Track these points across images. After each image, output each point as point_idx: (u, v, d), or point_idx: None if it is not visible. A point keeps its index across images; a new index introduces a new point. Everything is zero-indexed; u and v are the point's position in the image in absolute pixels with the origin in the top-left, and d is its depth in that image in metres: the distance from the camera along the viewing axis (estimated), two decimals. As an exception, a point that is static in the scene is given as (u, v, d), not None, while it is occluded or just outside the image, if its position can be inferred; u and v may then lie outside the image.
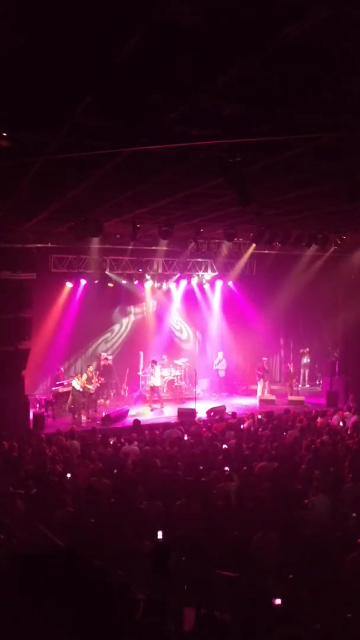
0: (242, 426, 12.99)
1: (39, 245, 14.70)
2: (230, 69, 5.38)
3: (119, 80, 5.73)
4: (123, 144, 7.71)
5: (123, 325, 19.27)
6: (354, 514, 7.59)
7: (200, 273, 18.52)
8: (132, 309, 19.22)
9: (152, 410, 17.20)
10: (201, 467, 9.86)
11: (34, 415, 14.94)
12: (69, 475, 9.65)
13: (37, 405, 16.03)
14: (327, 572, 6.16)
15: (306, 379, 19.83)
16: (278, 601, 5.44)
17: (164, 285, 18.66)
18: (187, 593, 5.97)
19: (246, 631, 5.10)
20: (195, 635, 5.23)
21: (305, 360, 19.42)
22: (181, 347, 19.90)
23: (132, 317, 19.31)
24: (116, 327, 19.16)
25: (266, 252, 17.51)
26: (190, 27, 4.56)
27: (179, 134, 7.45)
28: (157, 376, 17.55)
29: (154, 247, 16.44)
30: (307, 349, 19.49)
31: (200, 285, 19.19)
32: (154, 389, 17.59)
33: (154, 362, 17.70)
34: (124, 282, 17.70)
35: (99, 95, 6.12)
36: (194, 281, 18.86)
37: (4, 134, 7.12)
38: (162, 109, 6.59)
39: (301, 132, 7.32)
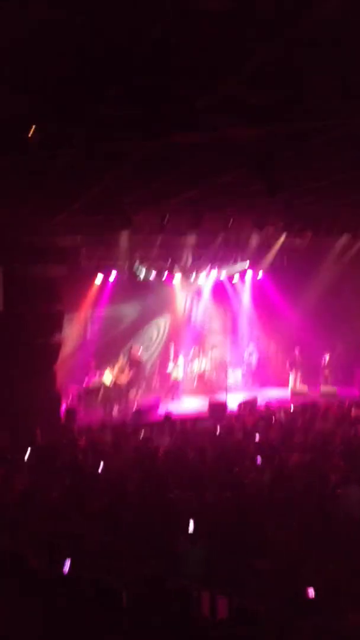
0: (273, 418, 12.88)
1: (69, 239, 14.81)
2: (257, 55, 5.31)
3: (145, 70, 5.71)
4: (151, 135, 7.70)
5: (161, 328, 19.31)
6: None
7: (230, 265, 18.40)
8: (165, 313, 19.18)
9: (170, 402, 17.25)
10: (233, 458, 9.82)
11: (66, 408, 15.09)
12: (101, 467, 9.71)
13: (69, 399, 16.19)
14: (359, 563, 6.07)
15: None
16: (311, 592, 5.40)
17: (194, 277, 18.61)
18: (219, 583, 5.96)
19: (278, 622, 5.07)
20: (227, 625, 5.23)
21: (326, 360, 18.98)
22: (212, 339, 19.83)
23: (168, 320, 19.31)
24: (154, 332, 19.21)
25: (297, 242, 17.32)
26: (218, 12, 4.50)
27: (207, 124, 7.40)
28: (180, 369, 17.62)
29: (182, 239, 16.39)
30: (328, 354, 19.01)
31: (230, 276, 19.08)
32: (174, 383, 17.58)
33: (175, 357, 17.75)
34: (153, 274, 17.70)
35: (125, 85, 6.12)
36: (224, 273, 18.77)
37: (32, 127, 7.16)
38: (189, 98, 6.55)
39: (328, 119, 7.20)
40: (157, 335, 19.28)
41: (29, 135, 7.32)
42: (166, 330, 19.30)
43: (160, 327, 19.28)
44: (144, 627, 4.85)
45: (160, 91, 6.29)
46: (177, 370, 17.55)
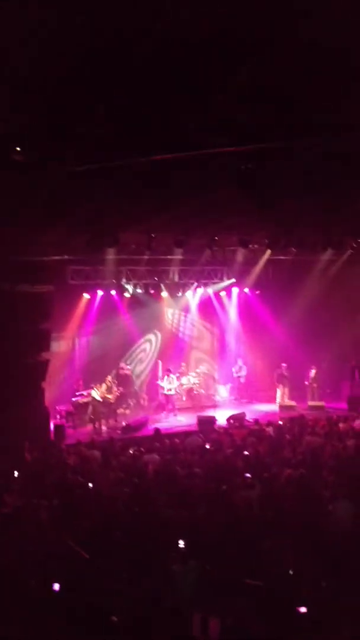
0: (262, 433, 12.89)
1: (56, 257, 14.82)
2: (240, 74, 5.43)
3: (132, 89, 5.80)
4: (138, 154, 7.78)
5: (152, 345, 19.33)
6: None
7: (216, 281, 18.52)
8: (154, 330, 19.22)
9: (166, 418, 17.22)
10: (223, 475, 9.80)
11: (55, 426, 15.01)
12: (90, 485, 9.65)
13: (58, 416, 16.09)
14: (352, 579, 6.07)
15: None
16: (303, 609, 5.39)
17: (181, 294, 18.69)
18: (211, 602, 5.92)
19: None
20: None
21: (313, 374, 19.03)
22: (199, 355, 19.86)
23: (158, 337, 19.34)
24: (144, 349, 19.21)
25: (282, 258, 17.48)
26: (199, 39, 4.60)
27: (195, 143, 7.50)
28: (171, 385, 17.62)
29: (169, 257, 16.49)
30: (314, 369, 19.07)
31: (217, 293, 19.19)
32: (168, 398, 17.63)
33: (168, 371, 17.76)
34: (140, 291, 17.77)
35: (112, 104, 6.20)
36: (211, 289, 18.88)
37: (17, 149, 7.23)
38: (177, 117, 6.64)
39: (314, 135, 7.33)
40: (147, 352, 19.28)
41: (16, 154, 7.38)
42: (156, 347, 19.31)
43: (150, 343, 19.30)
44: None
45: (148, 110, 6.39)
46: (171, 385, 17.60)
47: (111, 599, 5.63)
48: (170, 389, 17.62)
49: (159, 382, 18.44)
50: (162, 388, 17.94)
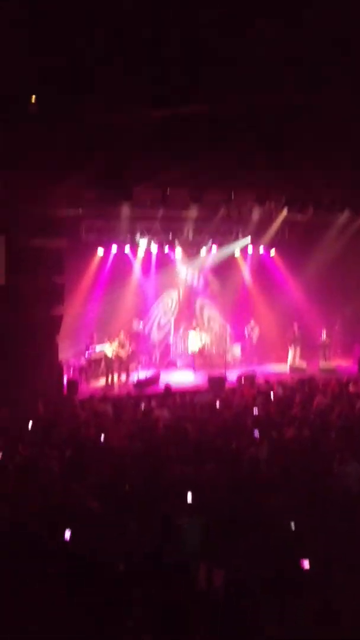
0: (272, 393, 12.97)
1: (70, 211, 14.71)
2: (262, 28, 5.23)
3: (151, 40, 5.62)
4: (155, 105, 7.60)
5: (169, 303, 19.35)
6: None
7: (231, 239, 18.32)
8: (167, 289, 19.20)
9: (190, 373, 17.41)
10: (231, 433, 9.91)
11: (68, 380, 15.18)
12: (102, 438, 9.82)
13: (71, 371, 16.28)
14: (357, 539, 6.18)
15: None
16: (306, 564, 5.51)
17: (195, 252, 18.55)
18: (216, 556, 6.07)
19: (273, 594, 5.19)
20: (223, 596, 5.35)
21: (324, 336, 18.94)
22: (212, 314, 19.84)
23: (173, 295, 19.33)
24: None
25: (299, 218, 17.22)
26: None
27: (213, 96, 7.29)
28: (194, 342, 17.74)
29: (184, 213, 16.28)
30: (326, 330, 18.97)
31: (231, 251, 19.01)
32: (192, 355, 17.79)
33: (189, 329, 17.84)
34: (154, 248, 17.65)
35: (130, 55, 6.03)
36: (225, 248, 18.69)
37: (33, 99, 7.09)
38: (196, 69, 6.45)
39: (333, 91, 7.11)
40: (161, 311, 19.30)
41: (32, 105, 7.25)
42: (171, 306, 19.32)
43: (165, 302, 19.29)
44: (141, 599, 4.96)
45: (166, 63, 6.21)
46: (190, 345, 17.75)
47: (119, 550, 5.79)
48: (194, 347, 17.78)
49: (171, 340, 18.53)
50: (183, 346, 18.10)
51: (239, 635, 4.86)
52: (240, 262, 19.38)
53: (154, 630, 4.58)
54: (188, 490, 7.00)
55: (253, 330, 18.92)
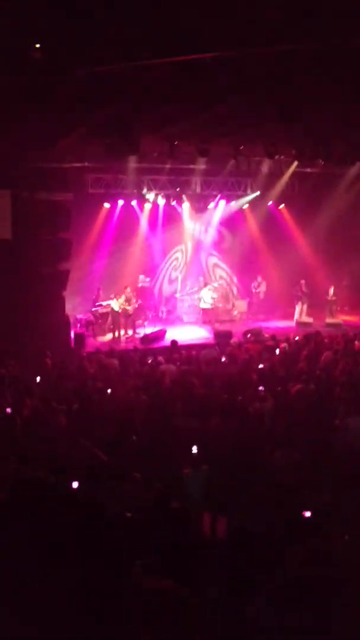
0: (277, 348, 13.04)
1: (75, 164, 14.51)
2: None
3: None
4: (160, 55, 7.40)
5: (181, 258, 19.26)
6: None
7: (240, 193, 18.08)
8: (176, 245, 19.02)
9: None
10: (237, 387, 10.03)
11: (75, 334, 15.31)
12: (109, 391, 9.97)
13: (78, 325, 16.41)
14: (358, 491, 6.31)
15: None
16: (308, 514, 5.65)
17: (203, 206, 18.36)
18: (220, 505, 6.24)
19: (275, 542, 5.34)
20: (227, 544, 5.52)
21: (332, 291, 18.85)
22: (219, 269, 19.78)
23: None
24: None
25: (308, 170, 16.92)
26: None
27: (220, 45, 7.08)
28: (203, 298, 17.77)
29: (192, 166, 16.04)
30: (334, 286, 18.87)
31: (240, 205, 18.80)
32: (206, 312, 17.88)
33: (206, 284, 17.84)
34: (161, 202, 17.47)
35: (134, 5, 5.84)
36: (234, 202, 18.48)
37: (37, 46, 6.91)
38: (201, 19, 6.24)
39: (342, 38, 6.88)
40: (171, 265, 19.26)
41: (36, 51, 7.08)
42: (181, 261, 19.28)
43: (175, 256, 19.23)
44: (146, 546, 5.12)
45: (171, 13, 6.01)
46: (202, 298, 17.91)
47: (125, 499, 5.95)
48: (206, 304, 17.88)
49: (177, 295, 18.56)
50: (184, 301, 18.12)
51: (242, 583, 5.04)
52: (249, 216, 19.19)
53: (162, 573, 4.75)
54: (193, 442, 7.15)
55: (260, 286, 18.89)
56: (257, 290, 18.91)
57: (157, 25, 6.56)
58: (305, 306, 18.42)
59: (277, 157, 14.98)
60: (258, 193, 18.12)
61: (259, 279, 18.97)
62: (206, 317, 18.11)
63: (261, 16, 6.35)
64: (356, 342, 13.42)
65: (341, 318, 18.41)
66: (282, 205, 19.00)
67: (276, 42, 7.04)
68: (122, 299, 16.33)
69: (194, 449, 7.07)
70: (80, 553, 5.06)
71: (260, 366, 11.34)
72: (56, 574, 4.85)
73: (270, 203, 18.73)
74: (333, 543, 5.34)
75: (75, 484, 6.25)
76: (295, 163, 16.00)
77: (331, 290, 18.58)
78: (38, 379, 10.78)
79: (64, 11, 6.14)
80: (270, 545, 5.34)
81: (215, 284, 18.88)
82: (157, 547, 5.09)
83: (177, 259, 19.26)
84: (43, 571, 4.78)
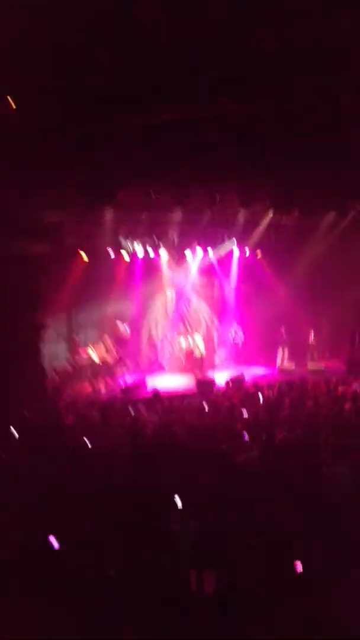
0: (261, 395, 12.94)
1: (53, 217, 14.59)
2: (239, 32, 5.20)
3: (130, 48, 5.57)
4: (138, 111, 7.55)
5: (160, 306, 19.32)
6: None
7: (217, 243, 18.33)
8: (154, 293, 19.12)
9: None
10: (221, 437, 9.85)
11: (53, 386, 15.06)
12: (89, 445, 9.70)
13: (56, 377, 16.15)
14: (350, 541, 6.14)
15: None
16: (299, 566, 5.46)
17: (180, 256, 18.54)
18: (208, 560, 6.01)
19: (267, 598, 5.13)
20: (214, 600, 5.30)
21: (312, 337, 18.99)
22: (199, 317, 19.82)
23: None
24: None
25: (284, 221, 17.26)
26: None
27: (193, 100, 7.26)
28: (182, 346, 17.77)
29: (169, 215, 16.25)
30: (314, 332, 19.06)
31: (218, 255, 19.04)
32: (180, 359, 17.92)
33: (175, 332, 17.84)
34: (139, 252, 17.61)
35: (110, 64, 5.97)
36: (211, 251, 18.72)
37: (10, 99, 7.00)
38: (177, 77, 6.41)
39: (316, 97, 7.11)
40: (150, 314, 19.26)
41: (11, 110, 7.16)
42: (160, 309, 19.28)
43: (154, 305, 19.25)
44: (134, 606, 4.89)
45: (146, 67, 6.16)
46: (182, 346, 17.92)
47: (109, 557, 5.70)
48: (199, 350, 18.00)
49: (157, 343, 18.50)
50: (164, 350, 18.09)
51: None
52: (226, 265, 19.43)
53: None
54: (179, 496, 6.93)
55: (236, 335, 18.93)
56: (235, 338, 18.93)
57: (131, 83, 6.72)
58: (286, 352, 18.48)
59: (252, 207, 15.29)
60: (234, 242, 18.38)
61: (235, 326, 19.03)
62: (184, 365, 18.12)
63: (233, 74, 6.55)
64: (339, 388, 13.40)
65: (323, 363, 18.46)
66: (259, 254, 19.29)
67: (249, 99, 7.25)
68: (101, 348, 16.17)
69: (178, 502, 6.85)
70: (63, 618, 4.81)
71: (245, 415, 11.20)
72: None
73: (247, 252, 19.00)
74: (327, 598, 5.16)
75: (55, 544, 5.99)
76: (271, 213, 16.31)
77: (312, 336, 18.69)
78: (15, 433, 10.47)
79: (43, 68, 6.26)
80: (261, 602, 5.13)
81: (186, 333, 18.95)
82: (145, 607, 4.85)
83: (154, 308, 19.26)
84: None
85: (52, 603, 5.03)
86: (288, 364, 18.17)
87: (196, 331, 19.17)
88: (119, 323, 18.21)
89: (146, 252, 17.74)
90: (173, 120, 7.81)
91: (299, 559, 5.50)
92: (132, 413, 11.68)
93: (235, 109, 7.57)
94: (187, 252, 18.43)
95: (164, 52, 5.82)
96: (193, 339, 18.83)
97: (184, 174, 11.77)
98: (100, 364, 16.06)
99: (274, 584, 5.43)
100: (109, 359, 16.36)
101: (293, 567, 5.45)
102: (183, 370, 18.16)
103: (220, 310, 19.76)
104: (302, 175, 12.44)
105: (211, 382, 15.75)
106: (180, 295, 19.46)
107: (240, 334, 18.90)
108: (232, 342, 18.90)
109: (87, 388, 16.10)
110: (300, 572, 5.40)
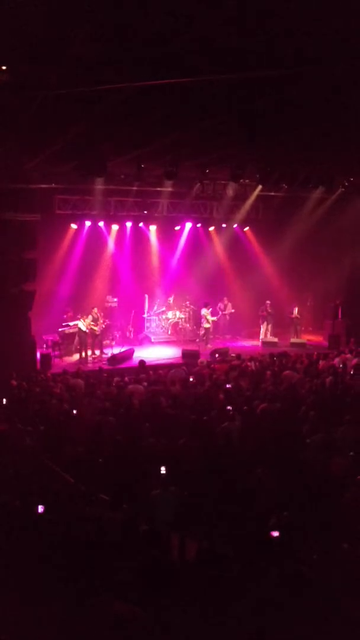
0: (244, 367, 13.14)
1: (43, 185, 14.51)
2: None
3: (123, 9, 5.51)
4: (127, 78, 7.48)
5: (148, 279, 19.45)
6: (351, 453, 7.76)
7: (206, 215, 18.31)
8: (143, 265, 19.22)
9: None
10: (204, 407, 10.05)
11: (41, 355, 15.15)
12: (74, 412, 9.86)
13: (44, 346, 16.24)
14: (325, 508, 6.37)
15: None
16: (276, 533, 5.66)
17: (169, 228, 18.52)
18: (189, 527, 6.21)
19: (246, 564, 5.33)
20: (196, 567, 5.48)
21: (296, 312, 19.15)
22: (186, 290, 19.89)
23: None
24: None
25: (272, 194, 17.26)
26: None
27: (185, 67, 7.19)
28: (169, 318, 18.08)
29: (158, 188, 16.19)
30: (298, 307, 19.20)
31: (206, 227, 19.04)
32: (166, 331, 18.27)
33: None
34: (129, 224, 17.58)
35: (102, 25, 5.90)
36: (200, 224, 18.71)
37: (3, 68, 6.91)
38: (165, 39, 6.33)
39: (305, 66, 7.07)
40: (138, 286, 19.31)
41: (1, 73, 7.07)
42: (148, 282, 19.31)
43: (142, 277, 19.29)
44: (114, 570, 5.05)
45: (135, 31, 6.09)
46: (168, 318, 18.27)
47: (92, 522, 5.87)
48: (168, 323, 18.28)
49: (145, 315, 18.60)
50: (151, 321, 18.39)
51: (211, 604, 5.01)
52: (214, 238, 19.44)
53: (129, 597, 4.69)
54: (162, 463, 7.12)
55: (226, 308, 19.06)
56: (224, 312, 19.07)
57: (123, 47, 6.64)
58: (270, 326, 18.69)
59: (242, 180, 15.27)
60: (223, 216, 18.38)
61: (225, 300, 19.15)
62: (170, 336, 18.41)
63: (228, 43, 6.50)
64: (320, 362, 13.63)
65: (305, 338, 18.70)
66: (247, 228, 19.32)
67: (239, 68, 7.21)
68: (89, 319, 16.25)
69: (163, 470, 7.04)
70: (49, 578, 4.98)
71: (228, 386, 11.40)
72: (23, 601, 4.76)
73: (235, 226, 19.01)
74: (302, 563, 5.37)
75: (40, 508, 6.14)
76: (260, 186, 16.29)
77: (295, 311, 18.88)
78: (4, 400, 10.61)
79: (30, 32, 6.17)
80: (239, 567, 5.33)
81: (173, 306, 19.08)
82: (125, 569, 5.03)
83: (145, 279, 19.28)
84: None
85: (32, 568, 5.15)
86: (271, 338, 18.41)
87: (184, 303, 19.24)
88: (107, 295, 18.23)
89: (135, 223, 17.71)
90: (163, 88, 7.73)
91: (277, 523, 5.69)
92: (117, 383, 11.82)
93: (225, 79, 7.52)
94: (177, 225, 18.44)
95: (149, 14, 5.74)
96: (180, 311, 18.95)
97: (174, 145, 11.71)
98: (88, 334, 16.14)
99: (252, 549, 5.63)
100: (97, 330, 16.45)
101: (270, 533, 5.64)
102: (169, 341, 18.36)
103: (207, 283, 19.79)
104: (292, 149, 12.45)
105: (196, 354, 15.94)
106: (168, 268, 19.47)
107: (230, 307, 19.01)
108: (220, 314, 19.00)
109: (75, 358, 16.22)
110: (278, 537, 5.59)
